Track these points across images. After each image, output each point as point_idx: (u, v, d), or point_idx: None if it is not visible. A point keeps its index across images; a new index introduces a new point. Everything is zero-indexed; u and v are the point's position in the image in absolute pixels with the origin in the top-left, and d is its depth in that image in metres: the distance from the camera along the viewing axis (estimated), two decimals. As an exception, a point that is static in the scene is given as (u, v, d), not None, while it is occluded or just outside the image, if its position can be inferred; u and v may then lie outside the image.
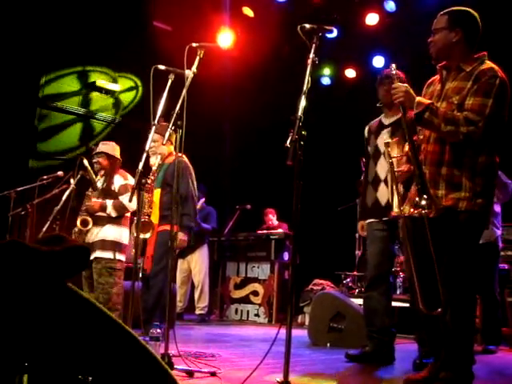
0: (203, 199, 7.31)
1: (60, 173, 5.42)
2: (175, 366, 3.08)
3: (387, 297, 4.18)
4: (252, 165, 9.12)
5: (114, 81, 8.26)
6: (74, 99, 7.92)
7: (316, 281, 6.98)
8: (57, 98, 7.72)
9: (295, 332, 3.29)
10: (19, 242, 1.35)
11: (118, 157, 5.01)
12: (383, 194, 4.03)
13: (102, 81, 8.04)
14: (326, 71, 8.94)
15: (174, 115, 3.22)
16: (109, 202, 4.84)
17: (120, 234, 4.89)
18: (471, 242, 2.93)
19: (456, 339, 2.86)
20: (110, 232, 4.84)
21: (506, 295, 5.48)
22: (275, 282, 7.15)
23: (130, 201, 3.99)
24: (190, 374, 3.05)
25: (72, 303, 1.39)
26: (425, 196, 2.81)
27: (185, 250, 6.36)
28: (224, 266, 7.74)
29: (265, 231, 7.74)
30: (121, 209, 4.85)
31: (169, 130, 3.22)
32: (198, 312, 7.06)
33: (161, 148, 4.70)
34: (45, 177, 5.53)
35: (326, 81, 9.01)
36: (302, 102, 2.59)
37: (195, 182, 4.89)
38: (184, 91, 3.25)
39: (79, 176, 4.92)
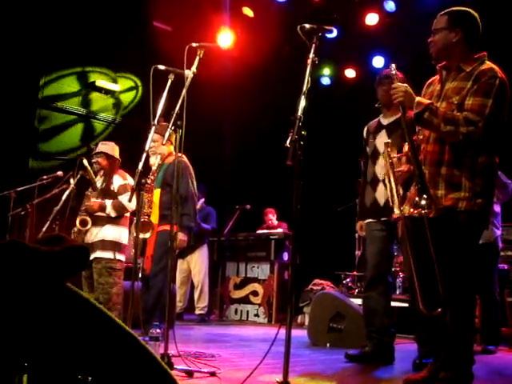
0: (203, 199, 7.31)
1: (60, 173, 5.43)
2: (175, 366, 3.08)
3: (386, 297, 4.18)
4: (252, 165, 9.11)
5: (114, 81, 8.26)
6: (75, 100, 7.92)
7: (316, 281, 6.99)
8: (57, 98, 7.72)
9: (295, 332, 3.28)
10: (19, 241, 1.35)
11: (118, 157, 5.02)
12: (382, 194, 4.04)
13: (101, 81, 8.04)
14: (326, 71, 8.94)
15: (174, 115, 3.22)
16: (108, 202, 4.85)
17: (119, 234, 4.89)
18: (471, 242, 2.93)
19: (455, 339, 2.86)
20: (109, 232, 4.84)
21: (506, 295, 5.49)
22: (275, 282, 7.15)
23: (130, 201, 4.00)
24: (189, 374, 3.05)
25: (72, 303, 1.39)
26: (425, 196, 2.81)
27: (184, 250, 6.36)
28: (224, 266, 7.74)
29: (265, 231, 7.73)
30: (120, 209, 4.85)
31: (168, 130, 3.22)
32: (197, 312, 7.06)
33: (161, 148, 4.70)
34: (44, 177, 5.53)
35: (325, 81, 9.02)
36: (302, 102, 2.59)
37: (195, 182, 4.89)
38: (184, 91, 3.25)
39: (79, 176, 4.92)
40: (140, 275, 4.56)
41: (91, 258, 4.75)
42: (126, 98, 8.47)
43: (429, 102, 2.93)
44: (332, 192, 7.98)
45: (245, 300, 7.40)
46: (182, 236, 4.64)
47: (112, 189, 4.92)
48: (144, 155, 3.27)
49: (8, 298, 1.34)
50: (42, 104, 7.56)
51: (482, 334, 4.97)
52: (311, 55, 2.72)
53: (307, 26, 2.77)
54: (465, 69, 2.96)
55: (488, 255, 4.86)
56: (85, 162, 4.87)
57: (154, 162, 4.70)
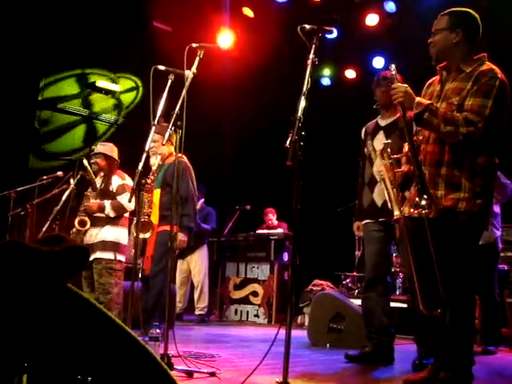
0: (202, 199, 7.31)
1: (60, 173, 5.43)
2: (175, 367, 3.08)
3: (385, 297, 4.18)
4: (252, 165, 9.11)
5: (115, 81, 8.27)
6: (77, 101, 7.94)
7: (316, 281, 6.99)
8: (58, 99, 7.73)
9: (295, 332, 3.28)
10: (19, 242, 1.35)
11: (116, 158, 5.03)
12: (379, 195, 4.03)
13: (102, 81, 8.05)
14: (326, 72, 8.94)
15: (174, 115, 3.22)
16: (107, 203, 4.86)
17: (119, 234, 4.90)
18: (471, 242, 2.93)
19: (455, 340, 2.86)
20: (109, 233, 4.85)
21: (506, 296, 5.48)
22: (275, 283, 7.15)
23: (130, 201, 4.01)
24: (189, 374, 3.05)
25: (72, 303, 1.39)
26: (425, 196, 2.81)
27: (184, 251, 6.36)
28: (224, 267, 7.74)
29: (265, 231, 7.73)
30: (119, 209, 4.86)
31: (169, 130, 3.22)
32: (197, 312, 7.06)
33: (161, 148, 4.70)
34: (44, 177, 5.53)
35: (325, 81, 9.02)
36: (302, 103, 2.59)
37: (195, 183, 4.89)
38: (184, 91, 3.25)
39: (79, 176, 4.93)
40: (140, 275, 4.57)
41: (91, 258, 4.75)
42: (127, 98, 8.48)
43: (429, 102, 2.93)
44: (332, 192, 7.97)
45: (245, 300, 7.40)
46: (181, 236, 4.64)
47: (111, 189, 4.93)
48: (144, 155, 3.27)
49: (8, 298, 1.34)
50: (43, 105, 7.57)
51: (482, 335, 4.97)
52: (311, 56, 2.72)
53: (307, 26, 2.77)
54: (465, 69, 2.96)
55: (488, 256, 4.86)
56: (85, 162, 4.89)
57: (154, 162, 4.70)
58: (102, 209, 4.84)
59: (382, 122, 4.22)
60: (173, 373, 2.82)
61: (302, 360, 4.02)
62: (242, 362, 3.80)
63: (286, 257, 7.32)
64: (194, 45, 3.33)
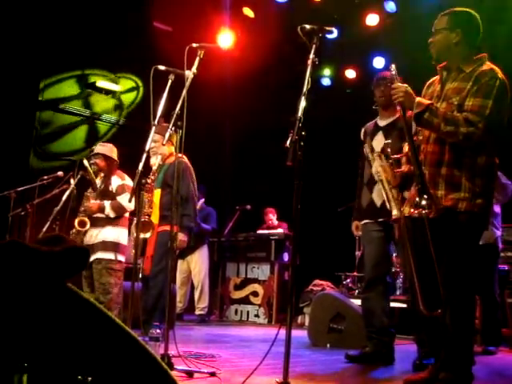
0: (203, 199, 7.31)
1: (60, 173, 5.43)
2: (175, 367, 3.08)
3: (385, 297, 4.18)
4: (252, 165, 9.11)
5: (115, 81, 8.27)
6: (78, 102, 7.94)
7: (316, 281, 6.98)
8: (59, 100, 7.74)
9: (295, 333, 3.28)
10: (19, 242, 1.35)
11: (116, 158, 5.04)
12: (378, 195, 4.03)
13: (102, 82, 8.05)
14: (327, 72, 8.94)
15: (174, 116, 3.22)
16: (107, 203, 4.86)
17: (119, 234, 4.91)
18: (471, 242, 2.93)
19: (456, 340, 2.86)
20: (109, 233, 4.86)
21: (506, 296, 5.48)
22: (275, 283, 7.15)
23: (130, 201, 4.01)
24: (189, 374, 3.05)
25: (72, 303, 1.39)
26: (425, 196, 2.81)
27: (185, 251, 6.36)
28: (224, 267, 7.74)
29: (265, 231, 7.73)
30: (119, 209, 4.87)
31: (169, 130, 3.22)
32: (197, 312, 7.06)
33: (161, 148, 4.70)
34: (45, 177, 5.54)
35: (326, 81, 9.02)
36: (302, 103, 2.59)
37: (195, 183, 4.89)
38: (184, 92, 3.25)
39: (79, 176, 4.94)
40: (140, 275, 4.57)
41: (92, 259, 4.76)
42: (128, 98, 8.49)
43: (429, 102, 2.93)
44: (332, 192, 7.97)
45: (245, 300, 7.40)
46: (182, 236, 4.64)
47: (110, 189, 4.94)
48: (144, 155, 3.27)
49: (8, 298, 1.34)
50: (44, 105, 7.57)
51: (482, 335, 4.97)
52: (311, 56, 2.72)
53: (307, 26, 2.77)
54: (465, 69, 2.96)
55: (488, 256, 4.86)
56: (85, 162, 4.90)
57: (155, 162, 4.71)
58: (101, 209, 4.85)
59: (381, 123, 4.22)
60: (173, 373, 2.82)
61: (303, 360, 4.02)
62: (242, 362, 3.80)
63: (286, 257, 7.32)
64: (194, 45, 3.33)
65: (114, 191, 4.92)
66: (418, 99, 2.93)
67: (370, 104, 4.30)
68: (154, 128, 3.37)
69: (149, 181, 4.52)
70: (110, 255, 4.80)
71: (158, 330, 3.22)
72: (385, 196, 3.77)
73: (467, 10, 3.06)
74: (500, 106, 2.85)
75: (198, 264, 7.08)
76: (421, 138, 3.10)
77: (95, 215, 4.86)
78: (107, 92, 8.14)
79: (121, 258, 4.86)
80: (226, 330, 6.25)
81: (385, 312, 4.13)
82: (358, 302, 5.31)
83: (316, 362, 4.05)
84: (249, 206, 7.96)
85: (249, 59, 8.04)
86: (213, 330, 6.30)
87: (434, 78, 3.19)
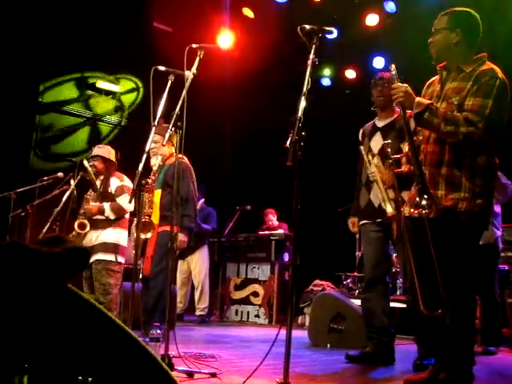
0: (203, 200, 7.31)
1: (60, 174, 5.44)
2: (175, 367, 3.08)
3: (385, 297, 4.19)
4: (252, 165, 9.11)
5: (115, 82, 8.27)
6: (78, 104, 7.95)
7: (316, 282, 6.98)
8: (60, 103, 7.74)
9: (295, 333, 3.28)
10: (19, 243, 1.35)
11: (114, 159, 5.05)
12: (376, 195, 4.04)
13: (102, 82, 8.05)
14: (327, 72, 8.94)
15: (174, 116, 3.22)
16: (106, 205, 4.87)
17: (119, 236, 4.92)
18: (471, 242, 2.93)
19: (456, 340, 2.85)
20: (110, 235, 4.87)
21: (506, 296, 5.47)
22: (275, 283, 7.15)
23: (130, 202, 4.02)
24: (190, 375, 3.05)
25: (72, 304, 1.39)
26: (425, 196, 2.81)
27: (185, 251, 6.36)
28: (224, 267, 7.74)
29: (265, 232, 7.74)
30: (119, 211, 4.88)
31: (169, 130, 3.22)
32: (198, 313, 7.06)
33: (161, 149, 4.70)
34: (45, 178, 5.54)
35: (326, 81, 9.02)
36: (302, 103, 2.59)
37: (196, 183, 4.89)
38: (184, 92, 3.25)
39: (79, 177, 4.94)
40: (140, 276, 4.57)
41: (92, 260, 4.77)
42: (128, 99, 8.49)
43: (429, 102, 2.93)
44: (332, 192, 7.97)
45: (245, 301, 7.40)
46: (182, 237, 4.63)
47: (109, 191, 4.95)
48: (144, 156, 3.27)
49: (8, 298, 1.34)
50: (45, 107, 7.58)
51: (482, 335, 4.97)
52: (311, 56, 2.72)
53: (307, 26, 2.77)
54: (465, 69, 2.96)
55: (488, 256, 4.85)
56: (85, 163, 4.90)
57: (155, 162, 4.71)
58: (101, 211, 4.86)
59: (379, 123, 4.22)
60: (173, 373, 2.82)
61: (303, 360, 4.02)
62: (242, 362, 3.79)
63: (286, 257, 7.32)
64: (194, 45, 3.33)
65: (113, 193, 4.93)
66: (417, 99, 2.93)
67: (369, 104, 4.30)
68: (153, 129, 3.37)
69: (149, 181, 4.52)
70: (110, 256, 4.81)
71: (159, 331, 3.22)
72: (379, 196, 3.79)
73: (467, 9, 3.06)
74: (500, 106, 2.85)
75: (198, 264, 7.08)
76: (421, 137, 3.10)
77: (95, 217, 4.87)
78: (107, 93, 8.15)
79: (121, 259, 4.87)
80: (227, 331, 6.25)
81: (385, 312, 4.13)
82: (358, 302, 5.31)
83: (316, 363, 4.05)
84: (249, 207, 7.96)
85: (249, 59, 8.04)
86: (213, 330, 6.30)
87: (434, 77, 3.19)
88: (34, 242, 1.51)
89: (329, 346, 4.82)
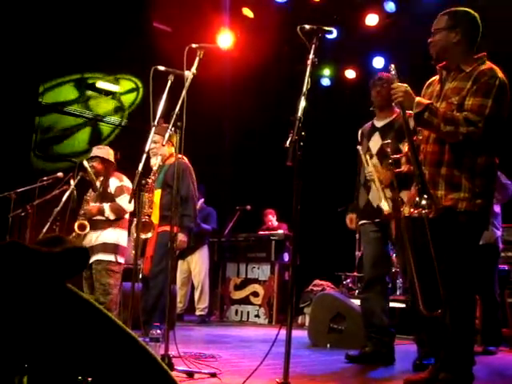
0: (202, 199, 7.31)
1: (60, 174, 5.44)
2: (175, 367, 3.08)
3: (384, 297, 4.19)
4: (252, 165, 9.11)
5: (115, 82, 8.27)
6: (78, 105, 7.95)
7: (316, 281, 6.98)
8: (60, 104, 7.74)
9: (295, 333, 3.28)
10: (19, 243, 1.35)
11: (113, 160, 5.05)
12: (375, 195, 4.04)
13: (102, 82, 8.05)
14: (326, 72, 8.94)
15: (174, 116, 3.22)
16: (106, 206, 4.88)
17: (119, 236, 4.93)
18: (471, 242, 2.93)
19: (456, 340, 2.85)
20: (110, 235, 4.87)
21: (506, 296, 5.48)
22: (275, 283, 7.15)
23: (130, 202, 4.03)
24: (190, 375, 3.05)
25: (72, 304, 1.39)
26: (425, 196, 2.81)
27: (185, 251, 6.36)
28: (224, 267, 7.74)
29: (265, 232, 7.74)
30: (118, 211, 4.89)
31: (169, 130, 3.22)
32: (198, 313, 7.06)
33: (161, 149, 4.71)
34: (45, 178, 5.54)
35: (325, 82, 9.02)
36: (302, 103, 2.59)
37: (196, 183, 4.89)
38: (184, 92, 3.25)
39: (79, 177, 4.94)
40: (140, 276, 4.57)
41: (92, 260, 4.77)
42: (128, 99, 8.49)
43: (428, 102, 2.92)
44: (332, 192, 7.97)
45: (245, 301, 7.40)
46: (182, 237, 4.64)
47: (109, 191, 4.96)
48: (144, 156, 3.27)
49: (8, 299, 1.34)
50: (46, 107, 7.58)
51: (482, 335, 4.96)
52: (311, 56, 2.72)
53: (307, 26, 2.77)
54: (464, 69, 2.96)
55: (488, 256, 4.85)
56: (85, 163, 4.91)
57: (155, 162, 4.71)
58: (101, 212, 4.87)
59: (378, 124, 4.22)
60: (173, 373, 2.82)
61: (303, 360, 4.02)
62: (242, 362, 3.80)
63: (286, 257, 7.32)
64: (193, 45, 3.33)
65: (112, 193, 4.94)
66: (417, 99, 2.93)
67: (369, 104, 4.30)
68: (153, 129, 3.37)
69: (149, 181, 4.53)
70: (110, 257, 4.82)
71: (159, 331, 3.22)
72: (376, 195, 3.80)
73: (467, 9, 3.06)
74: (500, 106, 2.85)
75: (198, 264, 7.08)
76: (420, 137, 3.10)
77: (95, 218, 4.87)
78: (107, 93, 8.15)
79: (120, 259, 4.88)
80: (227, 331, 6.25)
81: (384, 312, 4.13)
82: (358, 302, 5.31)
83: (316, 362, 4.05)
84: (249, 207, 7.96)
85: (248, 59, 8.04)
86: (213, 330, 6.30)
87: (434, 77, 3.19)
88: (34, 242, 1.51)
89: (329, 345, 4.82)
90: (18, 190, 5.61)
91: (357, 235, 6.87)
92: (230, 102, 9.19)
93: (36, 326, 1.35)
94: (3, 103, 6.90)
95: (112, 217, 4.87)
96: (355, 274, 7.07)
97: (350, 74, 8.70)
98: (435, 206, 2.83)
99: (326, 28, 2.80)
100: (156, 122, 3.33)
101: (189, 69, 3.30)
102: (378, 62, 8.14)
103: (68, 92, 7.87)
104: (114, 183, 4.98)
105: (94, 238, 4.86)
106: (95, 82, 7.99)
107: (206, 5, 8.18)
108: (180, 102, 3.23)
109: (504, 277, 5.41)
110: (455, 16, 3.01)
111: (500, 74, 2.89)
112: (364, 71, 8.37)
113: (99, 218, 4.88)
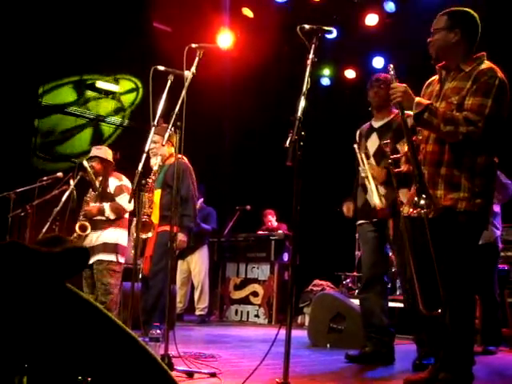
0: (202, 199, 7.31)
1: (59, 174, 5.44)
2: (175, 367, 3.08)
3: (383, 297, 4.19)
4: (252, 165, 9.11)
5: (114, 82, 8.26)
6: (79, 104, 7.95)
7: (316, 281, 6.98)
8: (60, 104, 7.74)
9: (295, 333, 3.28)
10: (19, 243, 1.35)
11: (111, 160, 5.06)
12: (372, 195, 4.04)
13: (101, 82, 8.05)
14: (326, 72, 8.95)
15: (174, 116, 3.22)
16: (106, 205, 4.88)
17: (119, 236, 4.93)
18: (470, 242, 2.92)
19: (455, 340, 2.85)
20: (110, 235, 4.88)
21: (506, 296, 5.48)
22: (275, 283, 7.15)
23: (130, 202, 4.03)
24: (189, 374, 3.05)
25: (71, 304, 1.39)
26: (424, 196, 2.81)
27: (185, 251, 6.36)
28: (224, 267, 7.74)
29: (266, 232, 7.74)
30: (118, 211, 4.90)
31: (168, 130, 3.22)
32: (197, 313, 7.06)
33: (161, 149, 4.71)
34: (44, 178, 5.54)
35: (325, 81, 9.02)
36: (302, 103, 2.59)
37: (195, 183, 4.89)
38: (183, 92, 3.25)
39: (79, 177, 4.94)
40: (140, 276, 4.57)
41: (93, 260, 4.77)
42: (127, 99, 8.49)
43: (428, 102, 2.92)
44: (332, 192, 7.96)
45: (245, 301, 7.40)
46: (182, 237, 4.64)
47: (108, 191, 4.96)
48: (144, 156, 3.27)
49: (8, 299, 1.34)
50: (46, 108, 7.58)
51: (482, 335, 4.96)
52: (311, 56, 2.72)
53: (307, 26, 2.77)
54: (464, 69, 2.96)
55: (488, 256, 4.85)
56: (85, 163, 4.91)
57: (155, 162, 4.71)
58: (101, 212, 4.87)
59: (376, 124, 4.22)
60: (173, 373, 2.82)
61: (303, 360, 4.02)
62: (242, 362, 3.80)
63: (286, 257, 7.32)
64: (193, 45, 3.33)
65: (112, 192, 4.94)
66: (417, 99, 2.92)
67: (369, 104, 4.30)
68: (153, 129, 3.37)
69: (149, 181, 4.53)
70: (111, 257, 4.82)
71: (158, 331, 3.22)
72: (369, 191, 3.80)
73: (466, 9, 3.06)
74: (500, 105, 2.85)
75: (197, 264, 7.08)
76: (420, 137, 3.10)
77: (95, 218, 4.88)
78: (107, 93, 8.14)
79: (121, 259, 4.89)
80: (226, 331, 6.25)
81: (384, 311, 4.13)
82: (357, 301, 5.31)
83: (316, 362, 4.05)
84: (248, 207, 7.96)
85: (248, 59, 8.04)
86: (213, 330, 6.30)
87: (433, 77, 3.19)
88: (34, 242, 1.51)
89: (328, 345, 4.82)
90: (18, 190, 5.61)
91: (356, 235, 6.87)
92: (230, 102, 9.19)
93: (36, 326, 1.35)
94: (3, 105, 6.90)
95: (112, 216, 4.87)
96: (355, 273, 7.08)
97: (350, 73, 8.71)
98: (434, 206, 2.83)
99: (326, 28, 2.80)
100: (156, 122, 3.33)
101: (188, 69, 3.30)
102: (378, 62, 8.15)
103: (68, 93, 7.86)
104: (113, 183, 4.98)
105: (95, 238, 4.86)
106: (95, 82, 7.99)
107: (206, 5, 8.18)
108: (180, 101, 3.23)
109: (504, 277, 5.41)
110: (454, 16, 3.01)
111: (500, 74, 2.89)
112: (364, 71, 8.37)
113: (99, 218, 4.88)
